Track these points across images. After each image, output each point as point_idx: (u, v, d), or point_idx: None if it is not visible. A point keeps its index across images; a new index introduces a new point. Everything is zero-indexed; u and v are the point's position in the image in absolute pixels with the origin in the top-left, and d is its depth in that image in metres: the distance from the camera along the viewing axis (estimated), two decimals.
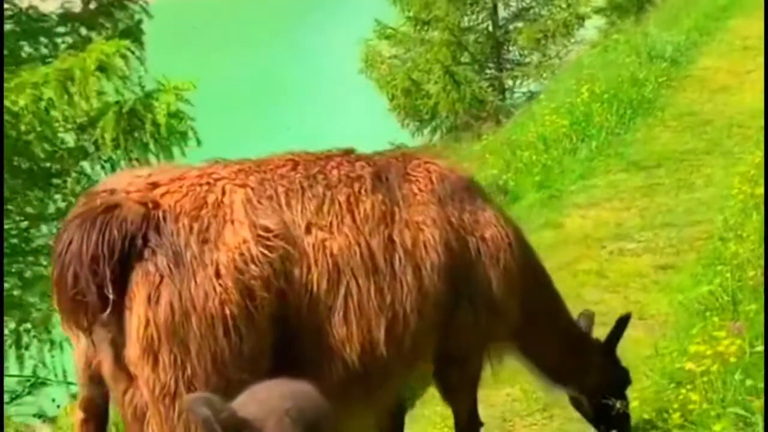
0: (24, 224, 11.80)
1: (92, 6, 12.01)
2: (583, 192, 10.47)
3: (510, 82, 22.59)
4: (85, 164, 12.17)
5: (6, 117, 10.88)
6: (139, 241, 4.23)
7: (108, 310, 4.20)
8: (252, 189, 4.44)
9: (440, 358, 4.93)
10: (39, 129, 10.73)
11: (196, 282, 4.22)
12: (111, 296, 4.18)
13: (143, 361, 4.22)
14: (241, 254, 4.28)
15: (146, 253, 4.24)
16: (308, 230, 4.46)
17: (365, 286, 4.50)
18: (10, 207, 11.26)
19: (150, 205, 4.32)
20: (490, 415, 6.05)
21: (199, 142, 12.68)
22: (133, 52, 11.23)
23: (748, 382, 4.78)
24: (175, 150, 12.10)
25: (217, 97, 29.01)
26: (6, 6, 11.55)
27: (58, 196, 11.98)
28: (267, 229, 4.35)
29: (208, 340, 4.24)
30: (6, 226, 11.38)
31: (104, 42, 10.71)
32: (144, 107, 10.82)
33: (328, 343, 4.48)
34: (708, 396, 4.93)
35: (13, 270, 11.44)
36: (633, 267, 8.27)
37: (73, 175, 12.17)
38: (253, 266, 4.29)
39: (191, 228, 4.29)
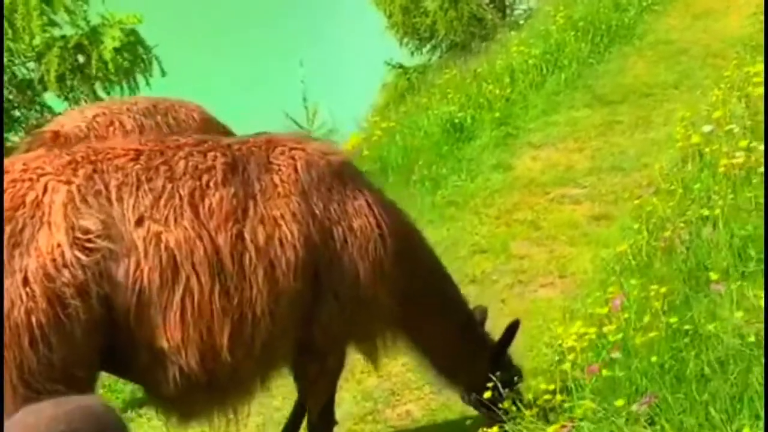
0: None
1: None
2: (540, 131, 10.10)
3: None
4: (47, 97, 12.05)
5: None
6: None
7: None
8: (77, 186, 4.16)
9: (300, 350, 4.63)
10: None
11: (1, 289, 4.00)
12: None
13: None
14: (53, 260, 4.05)
15: None
16: (139, 223, 4.15)
17: (208, 285, 4.18)
18: None
19: None
20: (380, 387, 5.90)
21: (163, 73, 12.46)
22: None
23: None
24: (140, 80, 11.92)
25: (200, 18, 28.58)
26: None
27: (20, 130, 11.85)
28: (86, 231, 4.09)
29: (13, 351, 4.04)
30: None
31: None
32: (89, 42, 10.55)
33: (162, 347, 4.20)
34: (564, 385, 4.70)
35: None
36: (568, 217, 7.98)
37: (36, 107, 12.04)
38: (66, 272, 4.04)
39: (2, 231, 4.04)
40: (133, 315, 4.15)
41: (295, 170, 4.54)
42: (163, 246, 4.16)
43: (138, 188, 4.23)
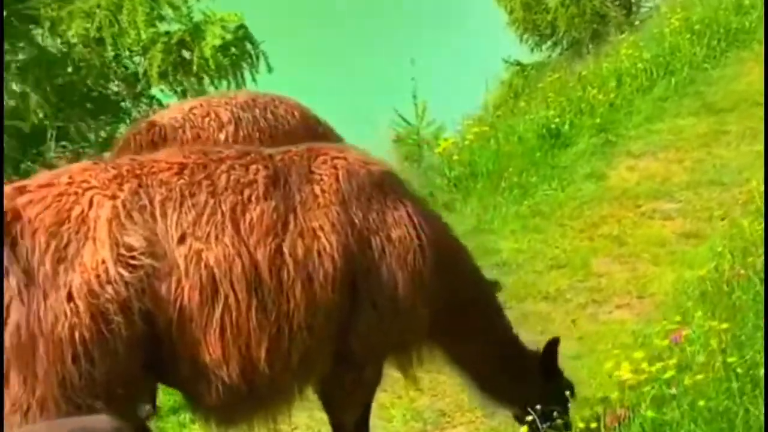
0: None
1: None
2: (641, 138, 9.72)
3: None
4: (157, 91, 12.28)
5: (60, 46, 10.98)
6: None
7: None
8: (123, 201, 4.18)
9: (337, 360, 4.58)
10: (89, 57, 10.80)
11: (46, 304, 4.05)
12: None
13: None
14: (98, 276, 4.07)
15: None
16: (182, 241, 4.19)
17: (245, 301, 4.22)
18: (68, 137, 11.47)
19: (9, 216, 4.12)
20: (432, 407, 5.75)
21: (270, 69, 12.57)
22: None
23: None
24: (247, 75, 12.06)
25: (308, 14, 28.60)
26: None
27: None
28: (130, 248, 4.11)
29: (55, 366, 4.07)
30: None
31: None
32: (192, 39, 10.69)
33: (203, 362, 4.25)
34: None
35: None
36: (657, 233, 7.64)
37: (144, 100, 12.30)
38: (109, 288, 4.07)
39: (48, 245, 4.08)
40: (174, 331, 4.19)
41: (337, 180, 4.53)
42: (203, 264, 4.20)
43: (181, 204, 4.26)
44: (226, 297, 4.20)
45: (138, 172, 4.31)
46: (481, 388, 5.09)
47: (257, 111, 6.76)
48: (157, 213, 4.21)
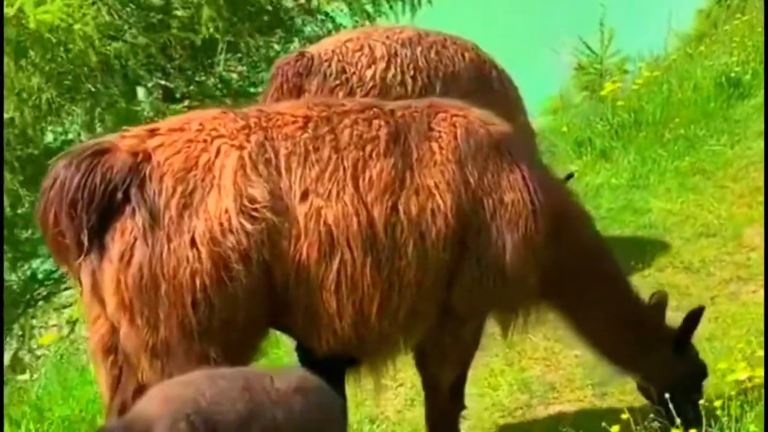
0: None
1: None
2: None
3: None
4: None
5: None
6: (120, 195, 4.15)
7: (82, 257, 4.18)
8: (249, 152, 4.24)
9: (441, 308, 4.57)
10: None
11: (169, 248, 4.14)
12: (85, 244, 4.15)
13: (119, 315, 4.21)
14: (221, 224, 4.14)
15: (126, 208, 4.15)
16: (304, 198, 4.25)
17: (360, 259, 4.29)
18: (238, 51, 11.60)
19: (140, 157, 4.21)
20: (542, 379, 5.54)
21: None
22: None
23: None
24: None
25: None
26: None
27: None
28: (253, 200, 4.17)
29: (176, 309, 4.15)
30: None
31: None
32: None
33: (318, 315, 4.33)
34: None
35: None
36: None
37: (319, 17, 12.28)
38: (231, 237, 4.14)
39: (174, 190, 4.15)
40: (292, 284, 4.26)
41: (455, 137, 4.51)
42: (322, 222, 4.25)
43: (305, 159, 4.30)
44: (342, 254, 4.26)
45: (264, 124, 4.35)
46: (600, 354, 4.95)
47: (419, 48, 6.46)
48: (282, 167, 4.26)
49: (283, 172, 4.26)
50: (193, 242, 4.13)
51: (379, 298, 4.33)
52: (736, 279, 6.29)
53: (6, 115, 9.82)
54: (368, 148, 4.39)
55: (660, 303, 4.95)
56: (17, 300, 10.75)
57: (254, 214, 4.16)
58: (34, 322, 11.04)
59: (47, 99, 10.09)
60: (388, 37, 6.50)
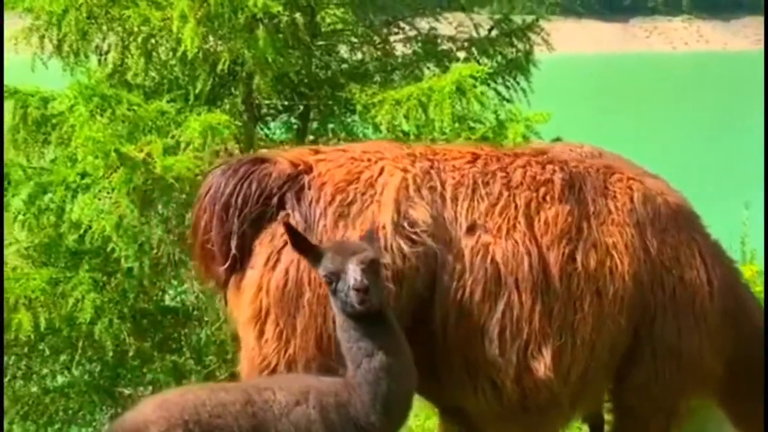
0: None
1: (494, 34, 11.99)
2: None
3: None
4: None
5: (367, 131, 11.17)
6: (275, 201, 4.13)
7: (227, 264, 4.15)
8: (413, 176, 4.16)
9: (618, 409, 4.40)
10: None
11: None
12: (233, 249, 4.10)
13: (249, 327, 4.09)
14: (376, 240, 4.03)
15: (280, 214, 4.14)
16: (471, 231, 4.11)
17: (529, 302, 4.05)
18: None
19: (301, 167, 4.18)
20: None
21: None
22: (516, 83, 11.07)
23: None
24: None
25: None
26: (407, 27, 11.90)
27: None
28: (413, 223, 4.07)
29: (316, 319, 4.01)
30: None
31: (465, 65, 10.61)
32: (494, 136, 10.50)
33: (476, 359, 4.07)
34: None
35: None
36: None
37: None
38: (386, 255, 4.02)
39: (333, 199, 4.10)
40: (451, 323, 4.07)
41: (631, 200, 4.36)
42: (489, 258, 4.08)
43: (474, 191, 4.19)
44: (510, 296, 4.06)
45: (430, 156, 4.29)
46: None
47: None
48: (448, 196, 4.18)
49: (449, 201, 4.15)
50: None
51: (550, 350, 4.02)
52: None
53: (125, 264, 9.87)
54: (542, 190, 4.22)
55: None
56: None
57: (413, 237, 4.05)
58: None
59: (168, 253, 10.10)
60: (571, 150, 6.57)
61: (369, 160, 4.22)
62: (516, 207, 4.17)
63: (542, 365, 4.00)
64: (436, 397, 4.55)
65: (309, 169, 4.17)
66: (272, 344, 3.99)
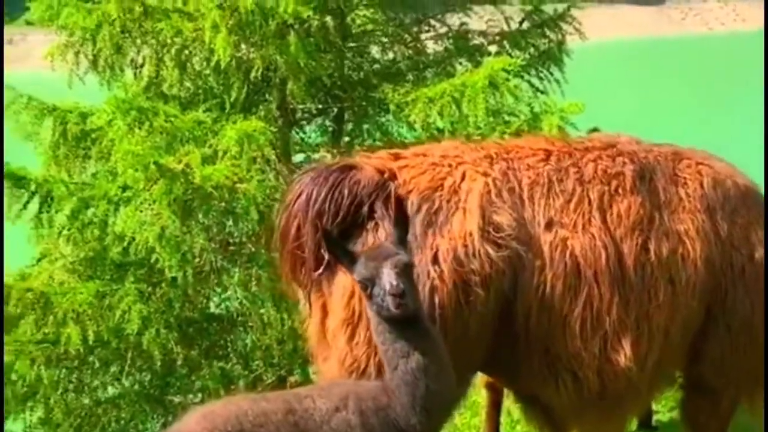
0: None
1: (525, 26, 11.92)
2: None
3: None
4: None
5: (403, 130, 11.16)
6: (365, 209, 4.17)
7: (321, 270, 4.18)
8: (494, 179, 4.23)
9: (690, 386, 4.46)
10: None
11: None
12: (326, 256, 4.13)
13: (341, 332, 4.13)
14: (464, 246, 4.10)
15: (369, 223, 4.16)
16: (548, 228, 4.17)
17: (608, 294, 4.12)
18: None
19: (386, 175, 4.23)
20: None
21: None
22: (549, 74, 10.99)
23: None
24: None
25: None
26: (437, 24, 11.88)
27: None
28: (498, 227, 4.13)
29: None
30: None
31: (497, 59, 10.55)
32: (528, 129, 10.44)
33: (557, 354, 4.15)
34: None
35: None
36: None
37: None
38: (475, 261, 4.08)
39: (420, 208, 4.16)
40: (533, 318, 4.12)
41: (701, 185, 4.41)
42: (568, 253, 4.14)
43: (549, 189, 4.25)
44: (589, 288, 4.12)
45: (505, 155, 4.34)
46: None
47: None
48: (525, 196, 4.23)
49: (526, 200, 4.20)
50: (435, 259, 4.08)
51: (629, 340, 4.08)
52: None
53: (169, 273, 9.92)
54: (614, 183, 4.28)
55: None
56: None
57: (499, 241, 4.10)
58: None
59: (210, 261, 10.18)
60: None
61: (450, 165, 4.28)
62: (590, 201, 4.24)
63: (622, 355, 4.07)
64: (512, 388, 4.67)
65: (394, 176, 4.23)
66: (362, 347, 4.06)
